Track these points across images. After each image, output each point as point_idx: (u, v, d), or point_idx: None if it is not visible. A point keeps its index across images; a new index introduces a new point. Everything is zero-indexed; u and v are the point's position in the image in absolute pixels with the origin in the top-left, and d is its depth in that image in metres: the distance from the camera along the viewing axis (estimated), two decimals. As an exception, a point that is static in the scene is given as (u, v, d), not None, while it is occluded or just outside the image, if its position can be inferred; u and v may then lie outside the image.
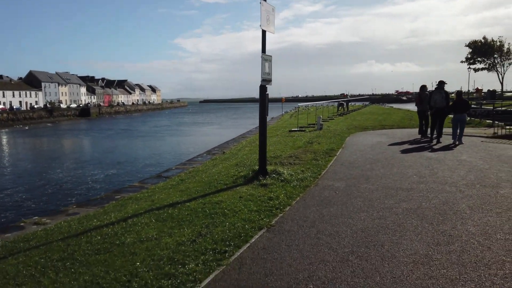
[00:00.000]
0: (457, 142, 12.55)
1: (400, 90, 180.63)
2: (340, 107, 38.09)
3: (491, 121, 19.04)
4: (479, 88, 35.89)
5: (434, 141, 12.91)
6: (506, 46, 75.16)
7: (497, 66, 76.48)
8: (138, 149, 31.86)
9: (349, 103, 41.03)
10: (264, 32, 7.11)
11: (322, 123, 18.63)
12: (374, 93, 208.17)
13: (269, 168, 8.01)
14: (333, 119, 26.61)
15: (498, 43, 75.71)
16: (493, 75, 78.41)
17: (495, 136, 13.74)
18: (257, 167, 7.93)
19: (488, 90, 52.09)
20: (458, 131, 12.53)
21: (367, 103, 71.49)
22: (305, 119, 26.76)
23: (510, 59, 75.33)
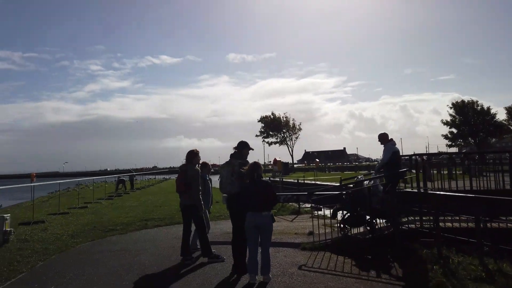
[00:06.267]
0: (262, 278, 5.47)
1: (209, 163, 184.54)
2: (120, 185, 29.01)
3: (297, 206, 13.75)
4: (278, 158, 33.78)
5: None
6: (291, 121, 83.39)
7: (287, 140, 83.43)
8: None
9: (134, 179, 32.47)
10: None
11: (11, 229, 9.21)
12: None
13: None
14: (87, 206, 17.26)
15: (284, 119, 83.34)
16: (284, 148, 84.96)
17: (315, 246, 7.43)
18: None
19: (282, 163, 52.84)
20: (260, 249, 5.56)
21: (168, 176, 65.04)
22: (64, 204, 16.98)
23: (296, 133, 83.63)
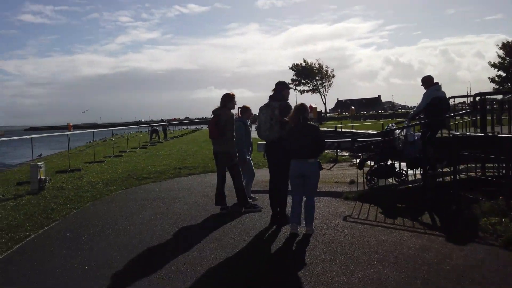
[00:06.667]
0: (304, 230, 4.99)
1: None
2: (154, 134, 29.33)
3: (334, 154, 13.09)
4: (313, 105, 32.36)
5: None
6: (324, 68, 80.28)
7: (320, 87, 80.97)
8: None
9: (167, 129, 32.71)
10: None
11: (46, 177, 9.20)
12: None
13: None
14: (121, 155, 17.40)
15: (317, 65, 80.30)
16: (316, 96, 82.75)
17: (359, 195, 6.84)
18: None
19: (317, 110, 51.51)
20: (305, 200, 5.01)
21: (200, 126, 65.72)
22: (100, 153, 17.44)
23: (329, 80, 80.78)
